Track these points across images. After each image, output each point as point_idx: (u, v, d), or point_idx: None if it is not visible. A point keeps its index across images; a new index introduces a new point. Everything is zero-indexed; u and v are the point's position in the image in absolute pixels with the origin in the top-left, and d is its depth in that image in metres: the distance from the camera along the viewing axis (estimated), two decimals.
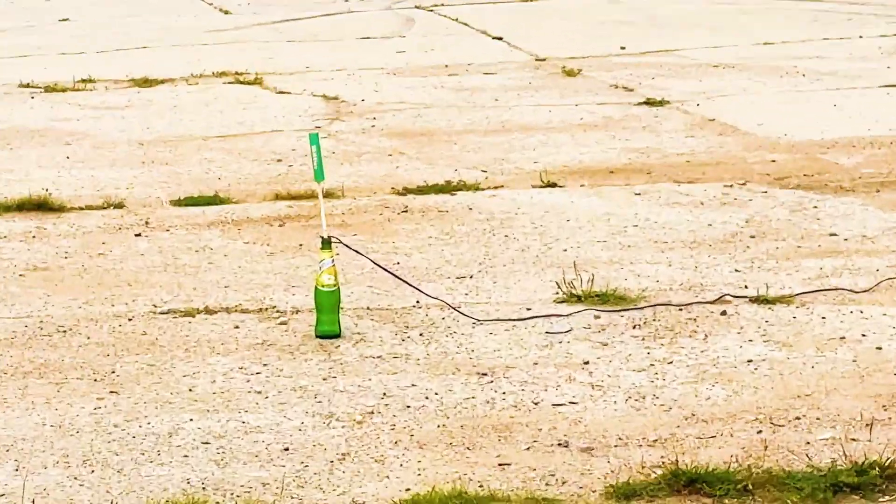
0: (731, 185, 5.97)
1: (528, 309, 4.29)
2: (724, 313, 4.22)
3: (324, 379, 3.82)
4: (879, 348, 3.85)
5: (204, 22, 12.13)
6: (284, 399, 3.70)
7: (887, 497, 3.13)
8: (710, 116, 7.62)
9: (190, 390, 3.75)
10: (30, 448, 3.60)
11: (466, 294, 4.46)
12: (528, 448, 3.37)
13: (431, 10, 12.34)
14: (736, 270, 4.70)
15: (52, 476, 3.42)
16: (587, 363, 3.87)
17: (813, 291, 4.44)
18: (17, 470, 3.38)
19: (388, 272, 4.45)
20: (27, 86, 8.82)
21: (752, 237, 5.08)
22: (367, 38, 10.99)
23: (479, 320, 4.16)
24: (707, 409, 3.60)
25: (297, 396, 3.72)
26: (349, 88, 8.62)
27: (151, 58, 10.09)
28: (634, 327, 4.14)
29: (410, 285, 4.37)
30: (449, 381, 3.82)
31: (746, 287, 4.44)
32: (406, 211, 5.67)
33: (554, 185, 6.00)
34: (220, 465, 3.26)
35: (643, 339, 4.07)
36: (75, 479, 3.41)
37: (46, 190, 6.03)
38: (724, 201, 5.75)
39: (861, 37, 10.36)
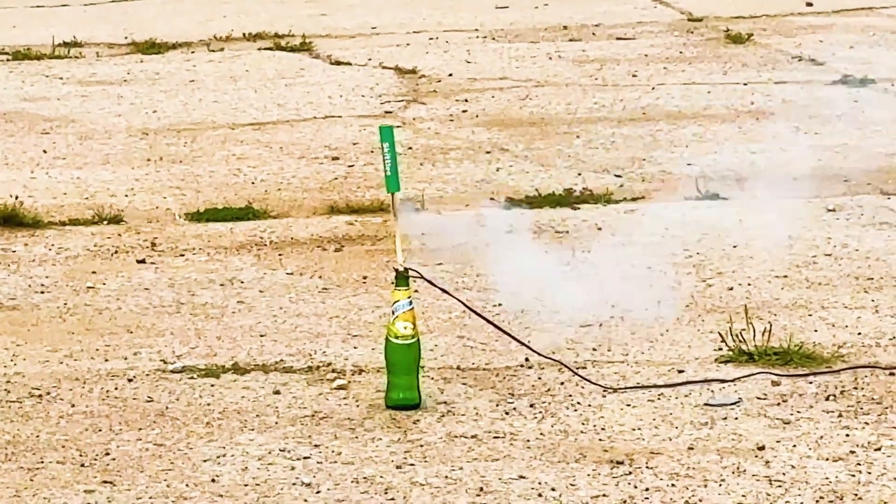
0: None
1: (681, 371, 4.43)
2: None
3: (397, 467, 3.88)
4: None
5: None
6: (343, 495, 3.75)
7: None
8: None
9: (213, 481, 3.81)
10: None
11: (594, 350, 4.56)
12: None
13: None
14: None
15: None
16: (762, 448, 3.91)
17: None
18: None
19: (486, 320, 4.52)
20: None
21: None
22: None
23: (611, 388, 4.30)
24: None
25: (361, 492, 3.77)
26: (431, 58, 9.10)
27: (159, 12, 10.55)
28: (828, 398, 4.25)
29: (515, 339, 4.46)
30: (571, 471, 3.84)
31: None
32: (510, 232, 5.78)
33: (716, 197, 6.10)
34: None
35: (840, 416, 4.16)
36: None
37: (15, 197, 6.26)
38: None
39: None
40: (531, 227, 5.95)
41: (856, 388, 4.44)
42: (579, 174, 6.36)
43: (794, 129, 7.15)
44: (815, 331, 4.82)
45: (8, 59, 9.28)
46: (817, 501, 3.77)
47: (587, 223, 5.82)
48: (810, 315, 4.95)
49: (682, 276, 5.27)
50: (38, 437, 4.23)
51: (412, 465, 3.98)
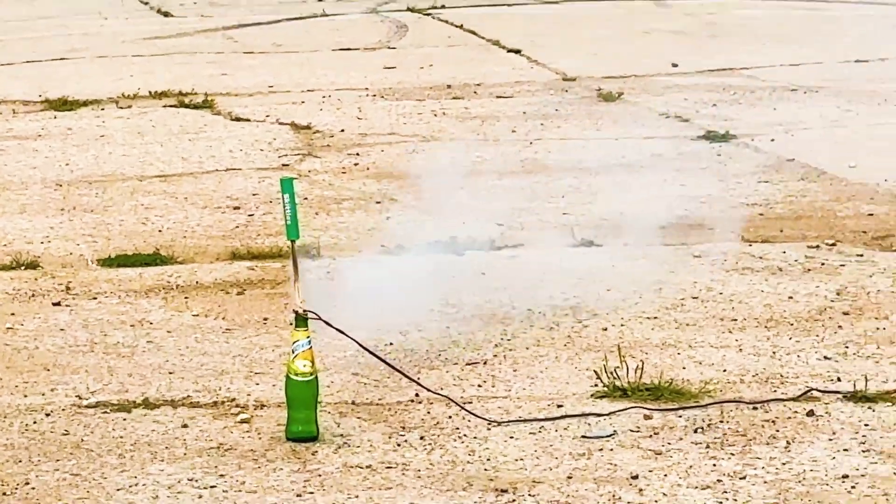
0: (818, 246, 6.16)
1: (559, 406, 4.41)
2: (810, 413, 4.34)
3: (297, 495, 3.88)
4: None
5: (139, 27, 12.66)
6: None
7: None
8: (788, 155, 7.83)
9: None
10: None
11: (479, 386, 4.54)
12: None
13: (429, 14, 12.81)
14: (825, 357, 4.86)
15: None
16: (636, 478, 3.94)
17: None
18: None
19: (378, 358, 4.52)
20: None
21: (846, 314, 5.28)
22: (347, 49, 11.53)
23: (495, 421, 4.29)
24: None
25: None
26: (325, 115, 9.00)
27: (72, 72, 10.59)
28: (696, 431, 4.26)
29: (406, 376, 4.46)
30: (459, 499, 3.86)
31: (839, 379, 4.61)
32: (401, 276, 5.76)
33: (590, 244, 6.10)
34: None
35: (707, 447, 4.18)
36: None
37: None
38: (809, 267, 5.92)
39: None
40: (419, 272, 5.90)
41: (722, 422, 4.47)
42: (464, 223, 6.37)
43: (662, 181, 7.17)
44: (684, 368, 4.85)
45: None
46: None
47: (471, 267, 5.81)
48: (679, 353, 4.99)
49: (560, 318, 5.25)
50: None
51: (311, 493, 3.96)
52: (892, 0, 16.14)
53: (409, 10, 12.96)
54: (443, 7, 13.11)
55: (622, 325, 5.17)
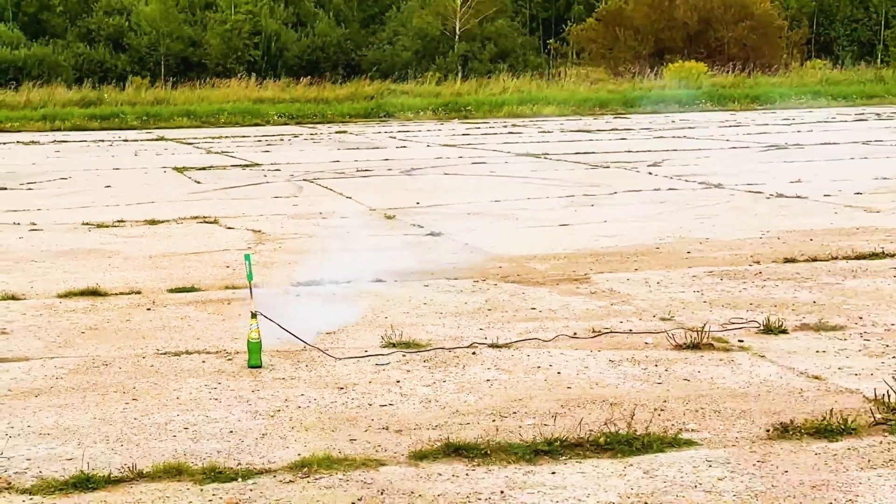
0: (477, 281, 9.13)
1: (366, 351, 6.71)
2: (474, 353, 6.59)
3: (252, 391, 5.92)
4: (559, 373, 6.18)
5: (185, 189, 17.78)
6: (230, 403, 5.68)
7: (565, 457, 4.84)
8: (465, 242, 11.35)
9: (177, 398, 5.82)
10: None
11: (332, 343, 6.92)
12: (365, 430, 5.23)
13: (312, 182, 17.81)
14: (480, 329, 7.38)
15: None
16: (399, 382, 6.01)
17: (522, 340, 6.96)
18: None
19: (287, 331, 6.72)
20: (85, 224, 13.61)
21: (490, 310, 7.97)
22: (277, 197, 16.22)
23: (338, 358, 6.51)
24: (465, 407, 5.58)
25: (237, 400, 5.73)
26: (267, 226, 12.86)
27: (157, 209, 14.88)
28: (424, 362, 6.45)
29: (298, 338, 6.74)
30: (323, 391, 5.89)
31: (486, 338, 7.01)
32: (299, 296, 8.39)
33: (379, 280, 8.91)
34: (193, 441, 5.14)
35: (430, 368, 6.31)
36: None
37: (97, 283, 9.11)
38: (474, 290, 8.77)
39: (548, 197, 15.12)
40: (307, 293, 8.19)
41: (436, 357, 6.66)
42: (328, 271, 8.86)
43: (410, 254, 9.74)
44: (420, 334, 7.00)
45: (94, 227, 13.09)
46: (421, 402, 5.72)
47: (350, 292, 7.96)
48: (418, 328, 7.13)
49: (367, 313, 7.46)
50: (106, 381, 6.25)
51: (258, 390, 6.00)
52: (533, 152, 21.45)
53: (304, 180, 18.02)
54: (317, 179, 18.19)
55: (395, 317, 7.54)
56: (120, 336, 7.47)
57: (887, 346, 6.84)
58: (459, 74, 53.56)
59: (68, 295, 8.85)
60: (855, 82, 49.22)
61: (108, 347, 7.15)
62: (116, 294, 8.94)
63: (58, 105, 42.37)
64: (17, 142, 31.10)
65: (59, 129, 36.44)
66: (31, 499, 4.52)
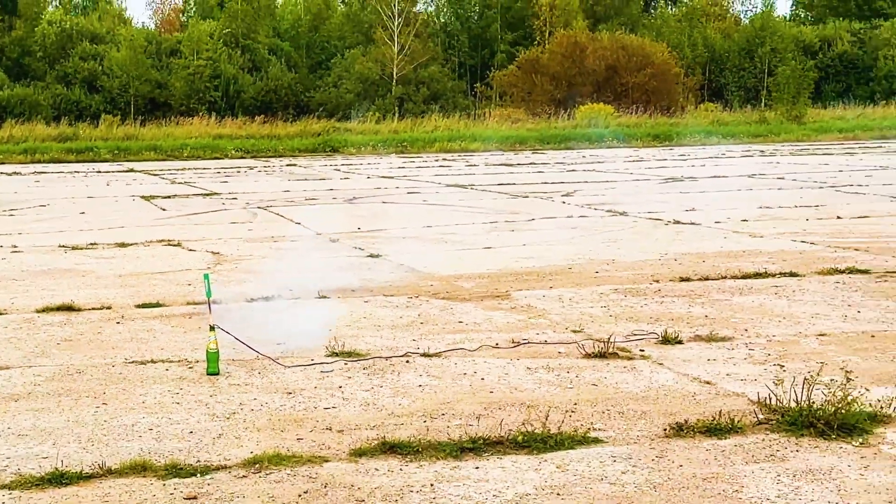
0: (411, 297, 9.22)
1: (312, 360, 6.80)
2: (408, 362, 6.70)
3: (210, 395, 5.98)
4: (483, 379, 6.34)
5: (151, 215, 17.43)
6: (191, 407, 5.75)
7: (487, 454, 4.90)
8: (401, 263, 11.35)
9: (143, 402, 5.90)
10: None
11: (282, 353, 6.96)
12: (311, 431, 5.30)
13: (265, 209, 17.58)
14: (413, 340, 7.36)
15: None
16: (341, 387, 6.13)
17: (450, 350, 7.08)
18: None
19: (242, 342, 6.86)
20: (62, 246, 12.90)
21: (422, 323, 8.05)
22: (234, 223, 16.03)
23: (287, 366, 6.60)
24: (400, 409, 5.67)
25: (197, 404, 5.81)
26: (225, 248, 12.77)
27: (126, 233, 14.70)
28: (364, 369, 6.55)
29: (252, 349, 6.82)
30: (274, 396, 5.95)
31: (419, 349, 7.10)
32: (253, 310, 8.39)
33: (324, 297, 8.96)
34: (157, 440, 5.18)
35: (369, 375, 6.43)
36: None
37: (71, 300, 9.07)
38: (409, 305, 8.86)
39: (474, 223, 15.12)
40: (261, 308, 8.04)
41: (374, 365, 6.66)
42: (291, 290, 8.65)
43: (353, 274, 9.54)
44: (361, 345, 7.03)
45: (70, 249, 12.94)
46: (362, 405, 5.88)
47: (285, 308, 8.04)
48: (359, 339, 7.15)
49: (315, 328, 7.45)
50: (79, 386, 6.28)
51: (215, 395, 6.13)
52: (461, 183, 21.34)
53: (258, 207, 17.82)
54: (270, 207, 17.85)
55: (338, 329, 7.57)
56: (92, 347, 7.42)
57: (769, 354, 6.91)
58: (396, 114, 53.72)
59: (46, 310, 8.78)
60: (742, 123, 49.75)
61: (81, 357, 7.11)
62: (89, 309, 8.87)
63: (38, 140, 41.98)
64: (1, 173, 30.92)
65: (38, 162, 36.28)
66: (10, 493, 4.54)
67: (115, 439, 5.23)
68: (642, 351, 7.05)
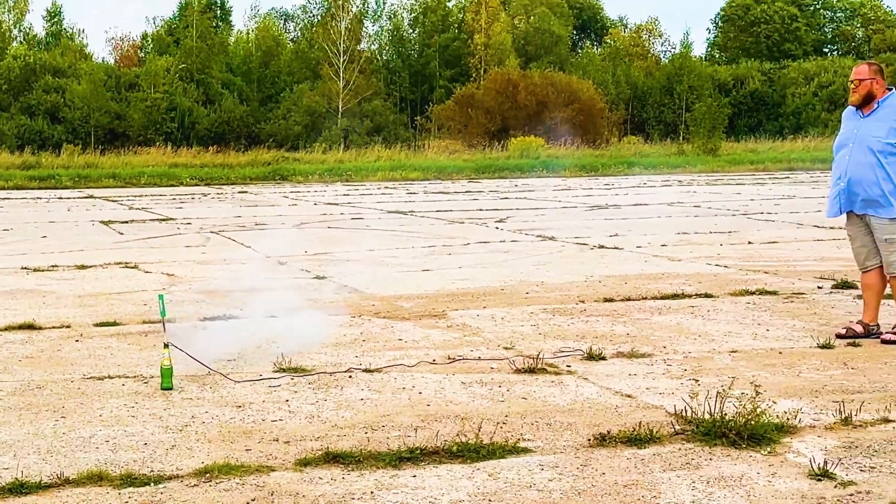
0: (354, 316, 9.06)
1: (261, 375, 6.71)
2: (350, 377, 6.62)
3: (164, 409, 5.88)
4: (420, 393, 6.26)
5: (110, 239, 17.05)
6: (146, 420, 5.66)
7: (424, 463, 4.86)
8: (345, 284, 11.28)
9: (100, 415, 5.77)
10: None
11: (232, 369, 6.86)
12: (259, 442, 5.23)
13: (218, 234, 17.31)
14: (356, 356, 7.35)
15: None
16: (288, 401, 6.06)
17: (390, 366, 7.02)
18: None
19: (194, 359, 6.72)
20: (24, 268, 12.70)
21: (364, 341, 7.97)
22: (188, 246, 15.78)
23: (237, 381, 6.51)
24: (343, 421, 5.56)
25: (151, 417, 5.72)
26: (179, 270, 12.62)
27: (86, 256, 14.43)
28: (310, 384, 6.45)
29: (204, 365, 6.70)
30: (224, 409, 5.86)
31: (361, 364, 7.03)
32: (205, 329, 8.25)
33: (273, 316, 8.59)
34: (113, 452, 5.10)
35: (314, 389, 6.32)
36: None
37: (33, 319, 8.92)
38: (351, 324, 8.72)
39: (413, 247, 14.98)
40: (216, 326, 7.86)
41: (319, 380, 6.59)
42: (240, 309, 8.62)
43: (299, 295, 9.38)
44: (307, 361, 6.95)
45: (31, 271, 12.69)
46: (306, 418, 5.72)
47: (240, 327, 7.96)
48: (304, 356, 7.06)
49: (263, 343, 7.36)
50: (48, 392, 6.28)
51: (169, 408, 5.91)
52: (402, 210, 20.79)
53: (211, 232, 17.55)
54: (223, 231, 17.61)
55: (286, 346, 7.39)
56: (52, 363, 7.32)
57: (685, 370, 6.93)
58: (342, 145, 53.68)
59: (8, 328, 8.66)
60: (662, 155, 50.06)
61: (41, 373, 7.01)
62: (50, 328, 8.76)
63: (2, 168, 41.49)
64: None
65: (2, 189, 35.77)
66: None
67: (73, 451, 5.15)
68: (569, 366, 7.02)
